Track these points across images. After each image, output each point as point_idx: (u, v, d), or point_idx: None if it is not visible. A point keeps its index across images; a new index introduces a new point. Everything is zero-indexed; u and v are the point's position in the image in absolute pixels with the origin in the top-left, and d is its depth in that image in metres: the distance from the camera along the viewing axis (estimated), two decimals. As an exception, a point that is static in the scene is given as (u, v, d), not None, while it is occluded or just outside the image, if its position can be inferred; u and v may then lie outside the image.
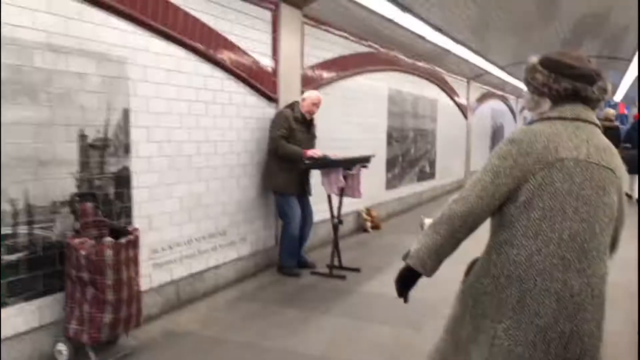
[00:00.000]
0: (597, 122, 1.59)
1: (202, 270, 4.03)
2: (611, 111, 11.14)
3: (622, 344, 3.17)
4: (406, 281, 1.68)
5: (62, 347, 2.85)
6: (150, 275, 3.53)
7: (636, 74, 12.46)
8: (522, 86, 1.75)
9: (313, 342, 3.24)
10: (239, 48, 4.24)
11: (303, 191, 4.71)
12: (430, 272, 1.62)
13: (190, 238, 3.88)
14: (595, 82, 1.56)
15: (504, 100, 15.88)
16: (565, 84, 1.56)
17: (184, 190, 3.79)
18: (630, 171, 10.45)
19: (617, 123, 10.85)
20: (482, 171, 1.58)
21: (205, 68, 3.94)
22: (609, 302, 1.58)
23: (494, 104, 14.73)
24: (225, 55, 4.10)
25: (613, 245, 1.64)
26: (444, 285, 3.95)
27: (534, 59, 1.66)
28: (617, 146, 10.22)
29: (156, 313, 3.59)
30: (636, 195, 10.51)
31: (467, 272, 1.77)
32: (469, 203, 1.55)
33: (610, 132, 10.36)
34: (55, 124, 2.84)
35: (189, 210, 3.85)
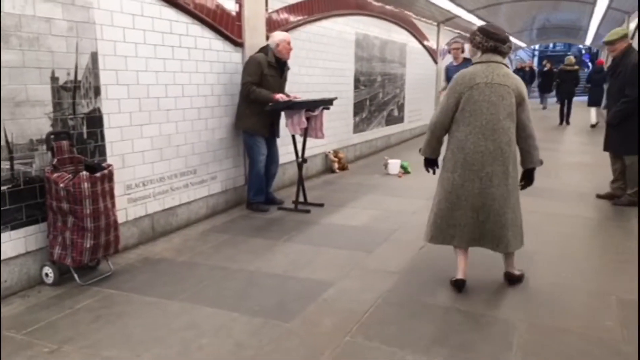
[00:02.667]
0: (504, 62, 2.98)
1: (175, 205, 4.36)
2: (572, 58, 12.67)
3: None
4: (429, 164, 3.22)
5: (48, 270, 3.19)
6: (126, 209, 3.84)
7: (601, 16, 12.77)
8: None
9: (276, 263, 3.63)
10: (202, -8, 4.38)
11: (272, 133, 4.99)
12: (432, 154, 3.15)
13: (162, 176, 4.17)
14: (505, 42, 2.97)
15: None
16: (491, 42, 2.95)
17: (154, 130, 4.04)
18: (590, 104, 11.98)
19: (576, 67, 12.48)
20: (443, 98, 3.04)
21: (170, 12, 4.10)
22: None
23: (465, 48, 14.89)
24: None
25: (522, 122, 2.98)
26: (395, 219, 4.39)
27: (475, 28, 3.04)
28: (577, 85, 12.03)
29: (133, 243, 3.93)
30: (593, 121, 11.78)
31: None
32: (437, 116, 3.05)
33: (571, 74, 11.78)
34: (27, 66, 3.04)
35: (160, 149, 4.12)
